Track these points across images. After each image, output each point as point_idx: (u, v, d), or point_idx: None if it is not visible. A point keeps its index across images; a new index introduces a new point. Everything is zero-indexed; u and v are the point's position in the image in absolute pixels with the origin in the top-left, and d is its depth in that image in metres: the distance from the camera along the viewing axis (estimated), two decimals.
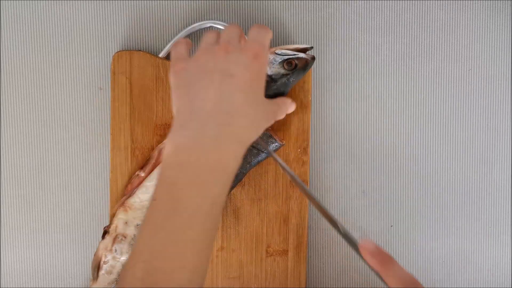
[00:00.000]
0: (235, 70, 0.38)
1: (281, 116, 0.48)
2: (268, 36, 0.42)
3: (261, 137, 0.50)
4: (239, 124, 0.39)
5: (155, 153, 0.52)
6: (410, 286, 0.36)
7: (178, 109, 0.40)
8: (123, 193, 0.52)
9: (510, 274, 0.56)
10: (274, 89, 0.49)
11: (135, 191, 0.51)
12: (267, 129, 0.51)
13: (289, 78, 0.49)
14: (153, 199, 0.38)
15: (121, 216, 0.51)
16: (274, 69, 0.48)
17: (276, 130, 0.53)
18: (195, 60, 0.41)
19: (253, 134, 0.41)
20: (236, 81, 0.38)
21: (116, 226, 0.51)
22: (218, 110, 0.38)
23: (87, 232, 0.55)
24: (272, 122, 0.44)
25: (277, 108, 0.46)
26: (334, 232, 0.56)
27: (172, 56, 0.43)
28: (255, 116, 0.40)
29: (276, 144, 0.51)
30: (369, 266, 0.38)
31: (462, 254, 0.57)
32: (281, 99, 0.48)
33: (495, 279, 0.57)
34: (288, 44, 0.53)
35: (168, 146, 0.39)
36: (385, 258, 0.37)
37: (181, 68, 0.41)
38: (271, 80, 0.49)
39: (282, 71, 0.49)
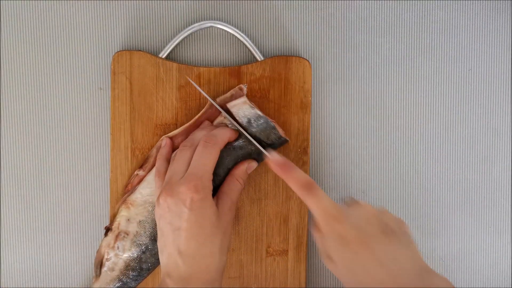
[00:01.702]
0: (178, 223, 0.44)
1: (235, 209, 0.49)
2: (207, 164, 0.46)
3: (263, 131, 0.50)
4: (201, 267, 0.44)
5: (154, 151, 0.52)
6: (305, 185, 0.44)
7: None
8: (123, 193, 0.52)
9: (510, 274, 0.56)
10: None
11: (136, 187, 0.52)
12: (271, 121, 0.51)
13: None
14: None
15: (123, 213, 0.51)
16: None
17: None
18: (156, 212, 0.46)
19: (218, 261, 0.45)
20: (184, 232, 0.44)
21: (119, 223, 0.51)
22: (177, 262, 0.44)
23: (87, 232, 0.55)
24: (232, 223, 0.48)
25: (229, 216, 0.47)
26: None
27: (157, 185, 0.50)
28: (211, 250, 0.45)
29: (282, 138, 0.50)
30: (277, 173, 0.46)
31: (462, 254, 0.57)
32: (226, 200, 0.48)
33: (495, 279, 0.57)
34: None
35: None
36: (287, 166, 0.45)
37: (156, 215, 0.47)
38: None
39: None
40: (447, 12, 0.55)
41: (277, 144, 0.50)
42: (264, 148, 0.49)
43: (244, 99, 0.50)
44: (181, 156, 0.47)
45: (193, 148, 0.47)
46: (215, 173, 0.48)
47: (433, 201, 0.56)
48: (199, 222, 0.44)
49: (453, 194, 0.56)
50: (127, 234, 0.51)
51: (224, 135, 0.48)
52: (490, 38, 0.55)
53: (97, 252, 0.51)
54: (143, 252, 0.50)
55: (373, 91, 0.55)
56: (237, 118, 0.50)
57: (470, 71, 0.56)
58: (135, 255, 0.50)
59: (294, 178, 0.44)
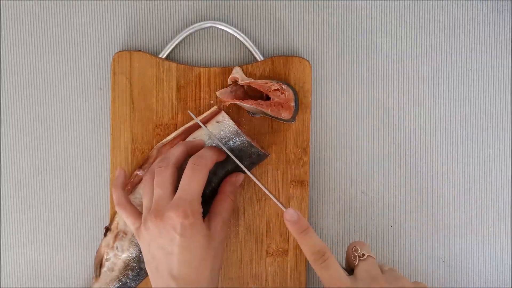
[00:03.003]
0: (170, 248, 0.44)
1: (227, 230, 0.48)
2: (195, 188, 0.45)
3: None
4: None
5: (154, 152, 0.52)
6: (317, 253, 0.42)
7: None
8: None
9: (510, 274, 0.56)
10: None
11: (136, 188, 0.52)
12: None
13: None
14: None
15: None
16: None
17: (274, 131, 0.53)
18: (146, 234, 0.46)
19: (211, 281, 0.46)
20: (176, 257, 0.44)
21: (118, 223, 0.51)
22: (173, 286, 0.44)
23: (87, 232, 0.56)
24: (224, 242, 0.48)
25: (220, 237, 0.47)
26: (334, 232, 0.56)
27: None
28: (204, 272, 0.45)
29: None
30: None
31: (462, 254, 0.57)
32: (218, 221, 0.47)
33: (495, 279, 0.57)
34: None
35: None
36: (302, 226, 0.44)
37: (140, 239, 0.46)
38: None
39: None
40: (447, 12, 0.55)
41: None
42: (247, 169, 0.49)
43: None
44: (162, 178, 0.45)
45: (171, 167, 0.46)
46: (208, 183, 0.48)
47: (433, 201, 0.56)
48: (190, 247, 0.44)
49: (453, 194, 0.56)
50: (126, 234, 0.51)
51: (213, 156, 0.47)
52: (490, 38, 0.55)
53: (96, 252, 0.51)
54: (142, 252, 0.50)
55: (373, 91, 0.55)
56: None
57: (470, 71, 0.56)
58: (134, 254, 0.50)
59: (307, 243, 0.43)
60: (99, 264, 0.51)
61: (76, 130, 0.55)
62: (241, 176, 0.50)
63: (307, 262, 0.55)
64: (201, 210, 0.45)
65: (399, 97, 0.55)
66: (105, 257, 0.51)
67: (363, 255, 0.43)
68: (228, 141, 0.49)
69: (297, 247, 0.54)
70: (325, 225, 0.56)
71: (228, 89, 0.52)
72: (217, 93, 0.52)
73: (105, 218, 0.55)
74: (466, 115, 0.56)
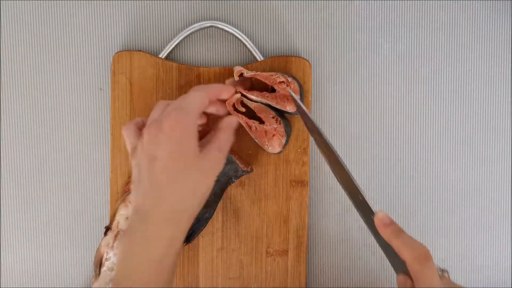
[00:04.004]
0: (156, 151, 0.40)
1: (223, 159, 0.43)
2: (194, 102, 0.42)
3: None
4: (167, 203, 0.41)
5: None
6: (420, 258, 0.38)
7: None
8: (123, 191, 0.52)
9: (510, 274, 0.56)
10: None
11: None
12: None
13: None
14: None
15: (122, 211, 0.51)
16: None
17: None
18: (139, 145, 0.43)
19: (188, 203, 0.41)
20: (159, 163, 0.40)
21: (118, 222, 0.51)
22: (147, 195, 0.41)
23: (87, 233, 0.56)
24: (216, 173, 0.43)
25: (212, 160, 0.42)
26: (334, 232, 0.56)
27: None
28: (184, 188, 0.41)
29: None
30: (382, 236, 0.41)
31: (462, 254, 0.57)
32: (212, 146, 0.43)
33: (495, 279, 0.57)
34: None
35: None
36: (395, 228, 0.41)
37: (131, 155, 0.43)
38: None
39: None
40: (447, 12, 0.55)
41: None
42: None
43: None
44: (161, 105, 0.43)
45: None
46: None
47: (433, 201, 0.56)
48: (176, 152, 0.40)
49: (453, 194, 0.56)
50: None
51: (217, 89, 0.45)
52: (490, 38, 0.55)
53: (96, 251, 0.51)
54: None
55: (373, 91, 0.55)
56: None
57: (470, 71, 0.56)
58: None
59: (406, 246, 0.40)
60: (98, 264, 0.51)
61: (76, 130, 0.55)
62: (234, 119, 0.45)
63: (307, 262, 0.55)
64: (196, 121, 0.42)
65: (399, 97, 0.55)
66: (104, 256, 0.51)
67: (442, 271, 0.43)
68: None
69: (297, 247, 0.54)
70: (325, 225, 0.56)
71: (237, 78, 0.52)
72: (226, 82, 0.51)
73: (105, 218, 0.55)
74: (466, 115, 0.56)
